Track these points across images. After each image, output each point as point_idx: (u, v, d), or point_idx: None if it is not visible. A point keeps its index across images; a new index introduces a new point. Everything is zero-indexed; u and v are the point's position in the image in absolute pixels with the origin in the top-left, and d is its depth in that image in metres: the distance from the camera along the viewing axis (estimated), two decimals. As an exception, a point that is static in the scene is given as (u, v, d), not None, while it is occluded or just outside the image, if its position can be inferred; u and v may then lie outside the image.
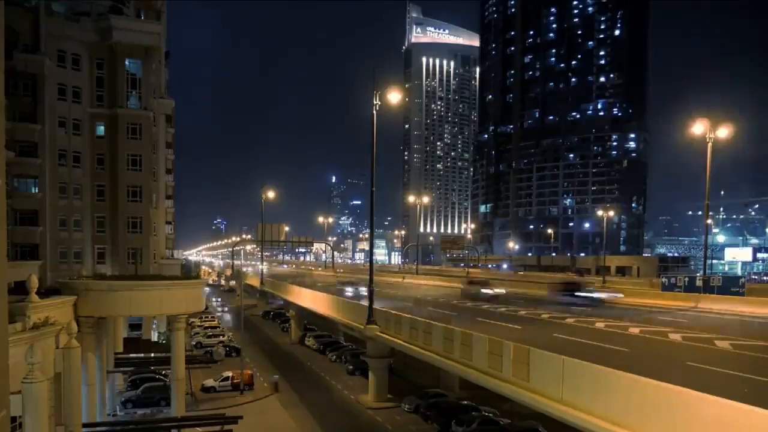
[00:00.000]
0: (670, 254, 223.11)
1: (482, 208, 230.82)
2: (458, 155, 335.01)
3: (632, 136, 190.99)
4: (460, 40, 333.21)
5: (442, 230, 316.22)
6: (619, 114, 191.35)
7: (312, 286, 67.55)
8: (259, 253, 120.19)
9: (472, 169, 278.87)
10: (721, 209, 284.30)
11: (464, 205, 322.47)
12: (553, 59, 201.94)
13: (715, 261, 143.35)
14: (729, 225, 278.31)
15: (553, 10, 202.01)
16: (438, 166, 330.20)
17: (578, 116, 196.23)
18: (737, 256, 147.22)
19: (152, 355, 43.80)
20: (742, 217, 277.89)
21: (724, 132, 44.68)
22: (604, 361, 19.19)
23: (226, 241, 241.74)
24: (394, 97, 36.12)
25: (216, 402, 41.27)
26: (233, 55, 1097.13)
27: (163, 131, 62.47)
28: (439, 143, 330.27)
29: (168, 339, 42.19)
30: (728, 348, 25.74)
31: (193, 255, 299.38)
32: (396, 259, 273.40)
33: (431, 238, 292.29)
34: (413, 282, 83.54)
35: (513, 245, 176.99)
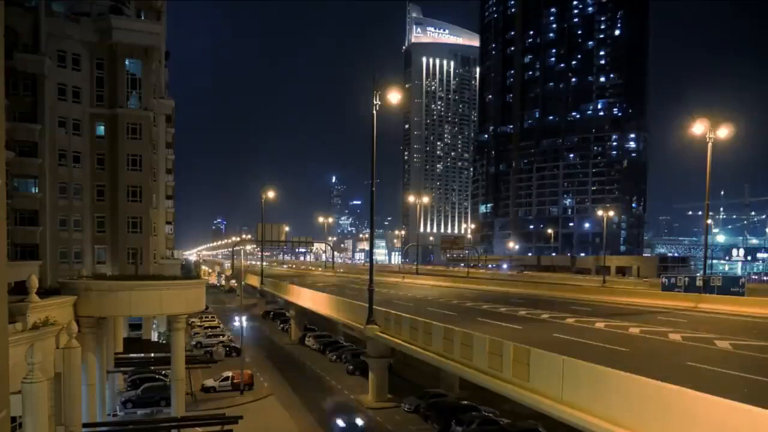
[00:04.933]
0: (670, 254, 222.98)
1: (482, 208, 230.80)
2: (458, 155, 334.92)
3: (632, 136, 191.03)
4: (460, 40, 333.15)
5: (442, 230, 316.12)
6: (619, 114, 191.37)
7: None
8: (259, 253, 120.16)
9: (472, 169, 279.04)
10: (721, 209, 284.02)
11: (464, 205, 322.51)
12: (553, 59, 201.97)
13: (715, 261, 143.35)
14: (729, 225, 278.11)
15: (553, 10, 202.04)
16: (438, 166, 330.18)
17: (578, 116, 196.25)
18: (737, 255, 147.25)
19: (152, 355, 43.80)
20: (743, 217, 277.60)
21: (724, 132, 44.63)
22: (604, 360, 19.19)
23: (226, 241, 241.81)
24: (394, 97, 36.07)
25: (216, 402, 41.22)
26: (233, 56, 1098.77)
27: (163, 131, 62.45)
28: (439, 143, 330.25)
29: (168, 339, 42.19)
30: (728, 348, 25.74)
31: (193, 255, 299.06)
32: (396, 259, 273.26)
33: (431, 238, 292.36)
34: (413, 282, 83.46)
35: (513, 245, 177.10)
